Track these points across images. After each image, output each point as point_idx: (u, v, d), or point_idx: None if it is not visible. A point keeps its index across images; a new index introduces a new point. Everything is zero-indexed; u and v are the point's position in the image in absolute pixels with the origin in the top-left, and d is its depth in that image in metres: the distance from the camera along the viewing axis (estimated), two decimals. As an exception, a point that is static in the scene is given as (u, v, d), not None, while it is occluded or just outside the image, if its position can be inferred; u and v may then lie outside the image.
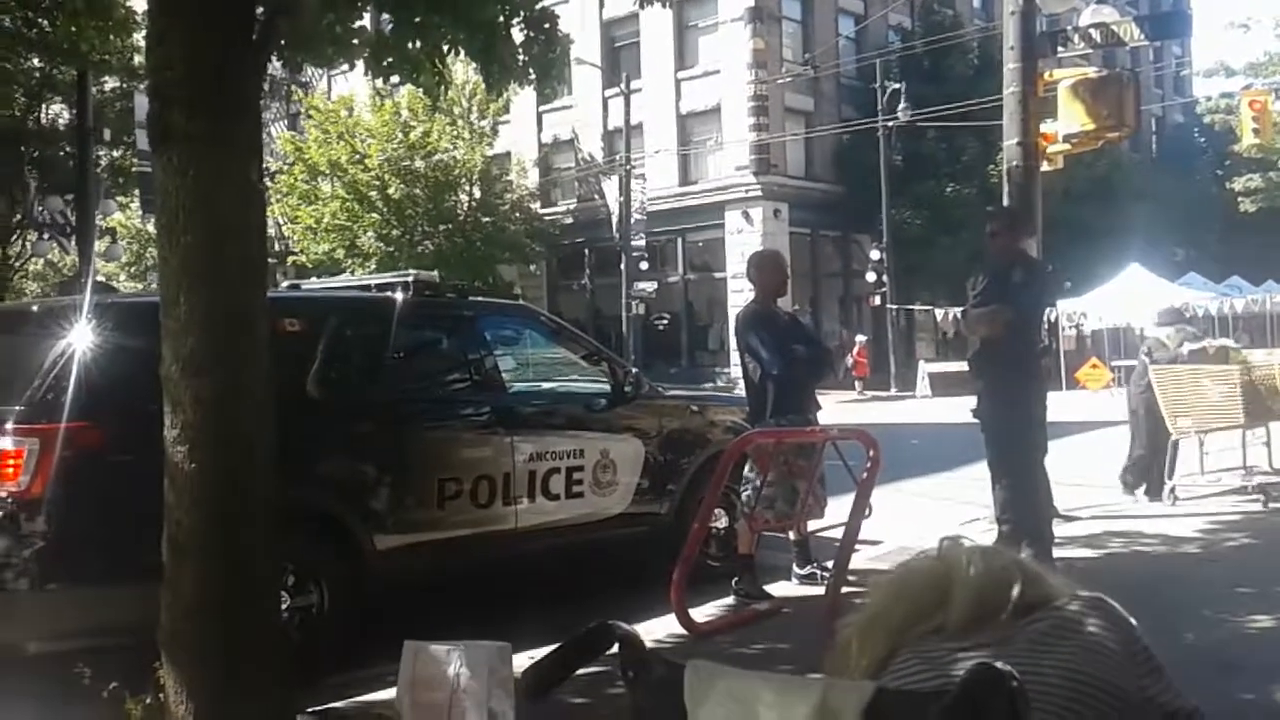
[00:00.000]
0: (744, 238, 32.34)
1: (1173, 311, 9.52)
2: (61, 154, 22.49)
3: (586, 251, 35.25)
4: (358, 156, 31.32)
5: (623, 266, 31.28)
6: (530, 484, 6.27)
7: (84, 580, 4.70)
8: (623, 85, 31.36)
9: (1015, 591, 1.26)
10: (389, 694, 4.52)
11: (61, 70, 18.92)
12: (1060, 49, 7.88)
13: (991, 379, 6.18)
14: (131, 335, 5.06)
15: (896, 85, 30.46)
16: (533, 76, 5.03)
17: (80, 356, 4.86)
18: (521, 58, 4.99)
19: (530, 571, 6.51)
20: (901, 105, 29.84)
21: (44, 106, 23.85)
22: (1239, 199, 28.91)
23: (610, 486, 6.67)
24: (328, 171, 31.89)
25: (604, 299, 34.72)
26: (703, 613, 5.63)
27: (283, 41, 3.88)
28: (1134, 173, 37.67)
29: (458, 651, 3.81)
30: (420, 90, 5.93)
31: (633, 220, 31.16)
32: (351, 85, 33.21)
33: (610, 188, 32.07)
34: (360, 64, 4.99)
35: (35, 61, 17.49)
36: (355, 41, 4.39)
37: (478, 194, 33.46)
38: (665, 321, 34.07)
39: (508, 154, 35.58)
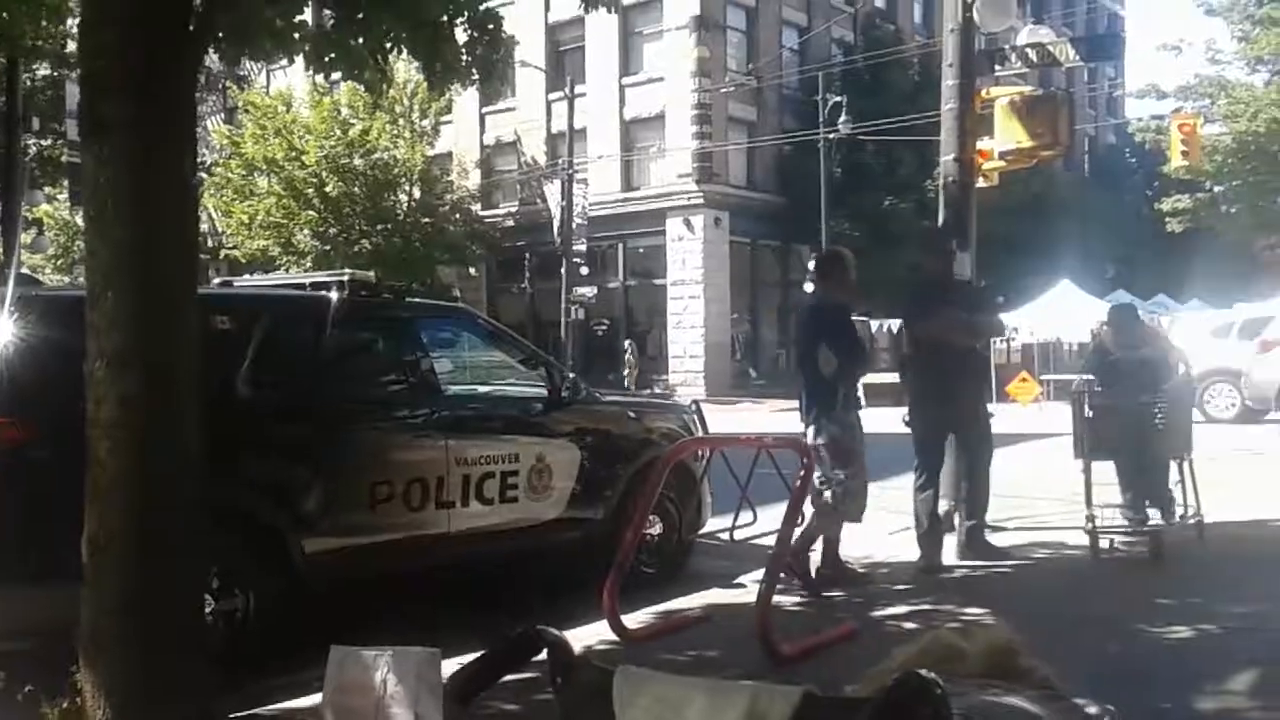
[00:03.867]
0: (685, 245, 32.51)
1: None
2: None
3: (527, 255, 35.16)
4: (295, 153, 30.85)
5: (563, 271, 31.24)
6: (464, 488, 6.21)
7: (5, 579, 4.58)
8: (567, 90, 31.33)
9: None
10: (315, 699, 4.46)
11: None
12: (998, 67, 8.04)
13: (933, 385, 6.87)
14: (57, 330, 4.95)
15: (838, 98, 30.81)
16: (475, 77, 4.99)
17: (3, 351, 4.73)
18: (465, 58, 4.96)
19: (463, 577, 6.47)
20: (842, 118, 30.20)
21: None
22: (1166, 219, 29.64)
23: (546, 491, 6.64)
24: (264, 167, 31.40)
25: (544, 303, 34.65)
26: (635, 619, 5.62)
27: (220, 34, 3.80)
28: (1067, 190, 38.55)
29: (385, 657, 3.76)
30: (361, 87, 5.87)
31: (574, 225, 31.14)
32: (290, 80, 32.75)
33: (552, 191, 32.00)
34: (300, 59, 4.93)
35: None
36: (296, 36, 4.32)
37: (418, 194, 33.17)
38: (605, 327, 34.07)
39: (449, 154, 35.36)
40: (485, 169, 36.61)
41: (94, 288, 3.40)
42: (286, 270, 32.07)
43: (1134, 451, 7.16)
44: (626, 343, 32.20)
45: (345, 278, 6.16)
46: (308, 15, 4.45)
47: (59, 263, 35.46)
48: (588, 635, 5.33)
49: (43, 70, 22.26)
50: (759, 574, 6.83)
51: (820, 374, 6.31)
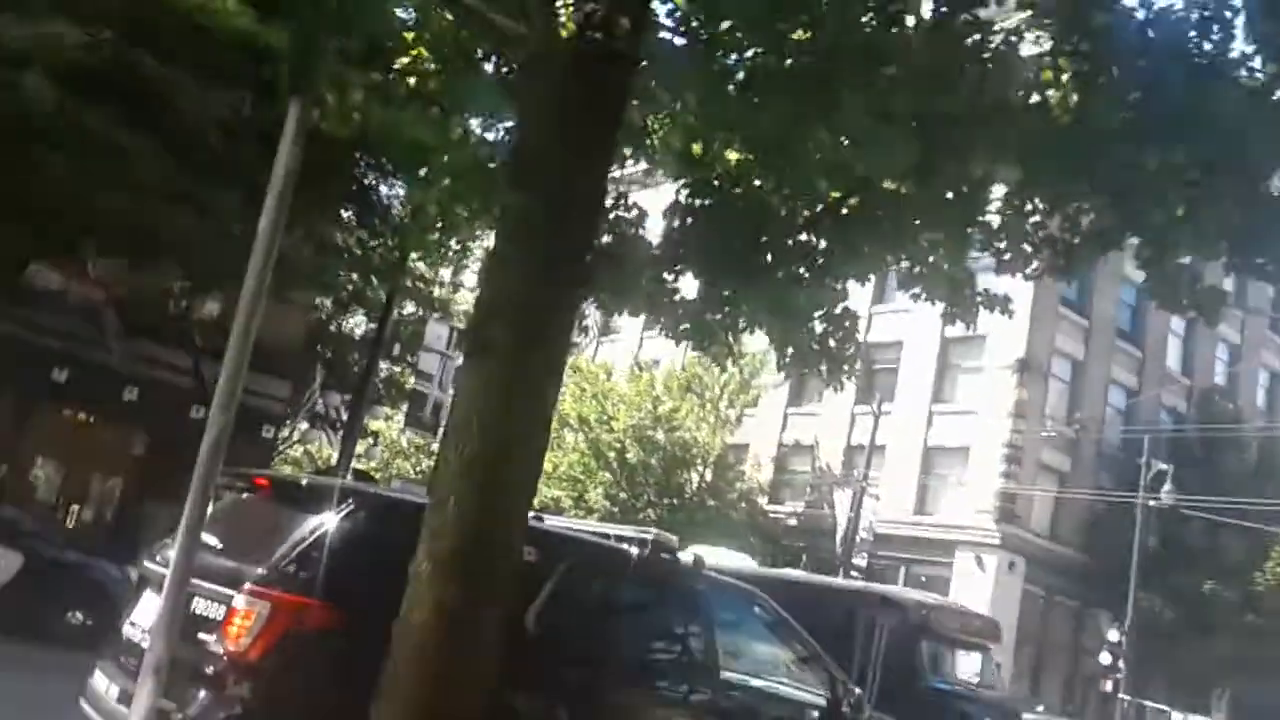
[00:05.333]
0: (972, 582, 30.80)
1: None
2: (350, 360, 24.70)
3: (804, 557, 34.49)
4: (606, 418, 32.60)
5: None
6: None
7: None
8: (875, 406, 31.48)
9: None
10: None
11: (373, 288, 21.01)
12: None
13: None
14: (381, 527, 5.20)
15: (1163, 466, 29.02)
16: (823, 368, 5.04)
17: (330, 537, 4.98)
18: (815, 347, 5.04)
19: None
20: (1166, 488, 28.28)
21: (347, 316, 26.49)
22: None
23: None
24: (575, 425, 33.25)
25: (812, 612, 33.50)
26: None
27: (603, 289, 4.07)
28: None
29: None
30: (695, 361, 6.06)
31: (858, 538, 30.40)
32: (614, 351, 35.05)
33: (841, 500, 31.61)
34: (638, 327, 5.18)
35: (353, 276, 19.48)
36: (666, 302, 4.56)
37: (709, 476, 33.80)
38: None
39: (746, 445, 36.01)
40: (779, 465, 36.91)
41: (438, 494, 3.54)
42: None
43: None
44: None
45: (650, 536, 6.16)
46: (680, 285, 4.68)
47: (378, 474, 38.50)
48: None
49: (409, 308, 25.08)
50: None
51: None
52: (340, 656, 4.68)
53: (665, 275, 4.57)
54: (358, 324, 27.90)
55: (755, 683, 6.64)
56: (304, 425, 24.48)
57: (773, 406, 34.74)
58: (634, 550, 6.08)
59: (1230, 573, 29.25)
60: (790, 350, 4.98)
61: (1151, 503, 28.79)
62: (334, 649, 4.73)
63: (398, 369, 26.98)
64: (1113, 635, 29.43)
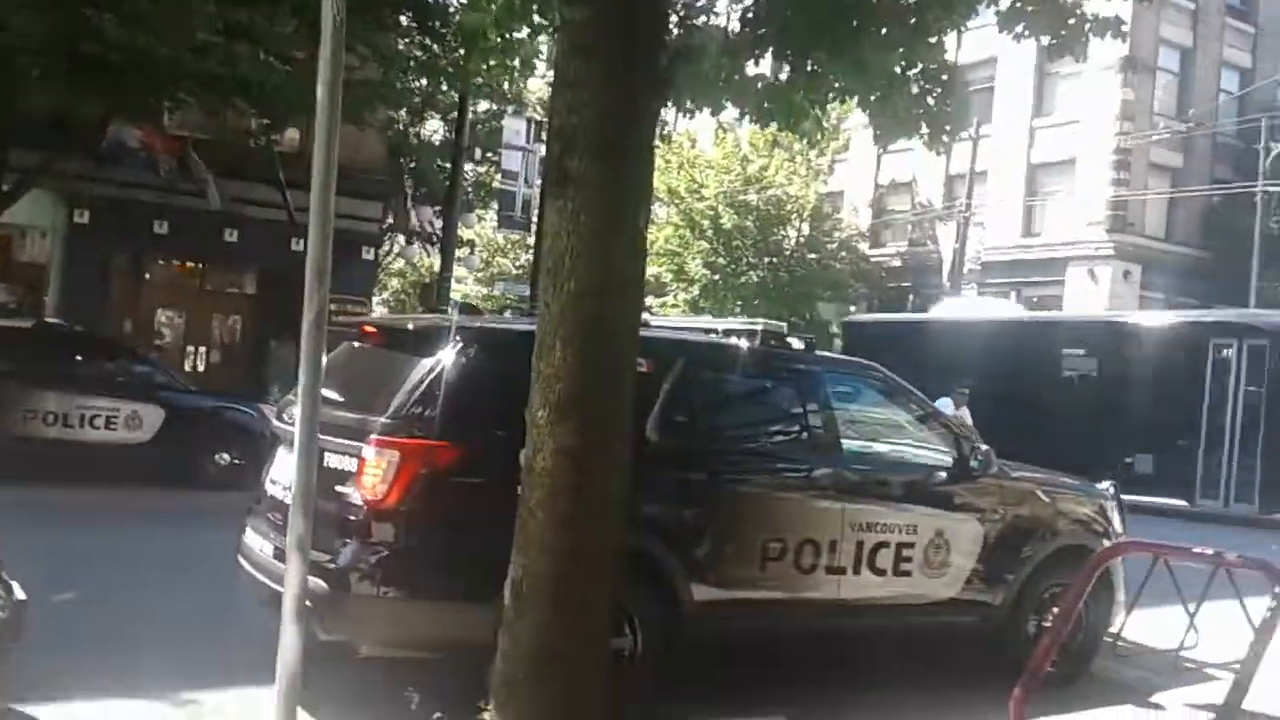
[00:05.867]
0: (1087, 297, 30.24)
1: None
2: (434, 167, 24.58)
3: (911, 297, 34.19)
4: (696, 186, 32.10)
5: (949, 316, 30.07)
6: (858, 554, 5.93)
7: (422, 593, 4.86)
8: (972, 131, 30.16)
9: None
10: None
11: (443, 92, 20.59)
12: None
13: None
14: (493, 360, 5.24)
15: (1283, 148, 27.44)
16: (925, 131, 4.72)
17: (446, 377, 5.03)
18: (916, 110, 4.71)
19: (842, 648, 6.17)
20: (1288, 170, 26.83)
21: (423, 123, 26.16)
22: None
23: (942, 568, 6.20)
24: (666, 198, 32.86)
25: (927, 348, 33.51)
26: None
27: (680, 88, 3.80)
28: None
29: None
30: (785, 131, 5.77)
31: (965, 270, 29.91)
32: (696, 121, 34.05)
33: (945, 234, 30.96)
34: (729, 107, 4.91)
35: (422, 82, 19.09)
36: (748, 90, 4.27)
37: (806, 230, 33.36)
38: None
39: (841, 193, 35.24)
40: (876, 208, 36.12)
41: (544, 338, 3.47)
42: (675, 296, 33.40)
43: None
44: None
45: (759, 327, 6.10)
46: (763, 68, 4.37)
47: (479, 275, 39.00)
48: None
49: (484, 105, 24.59)
50: (1177, 693, 6.06)
51: None
52: (473, 493, 4.82)
53: (745, 62, 4.26)
54: (434, 130, 27.59)
55: (884, 452, 6.67)
56: (400, 240, 24.70)
57: (864, 149, 33.61)
58: (743, 343, 6.04)
59: (1360, 252, 28.02)
60: (888, 119, 4.67)
61: (1272, 189, 27.45)
62: (465, 486, 4.86)
63: (482, 170, 26.77)
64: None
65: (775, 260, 32.49)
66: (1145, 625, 6.19)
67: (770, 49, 4.23)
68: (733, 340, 6.16)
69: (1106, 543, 6.74)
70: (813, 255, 32.94)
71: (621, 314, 3.48)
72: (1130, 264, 30.15)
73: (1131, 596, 5.56)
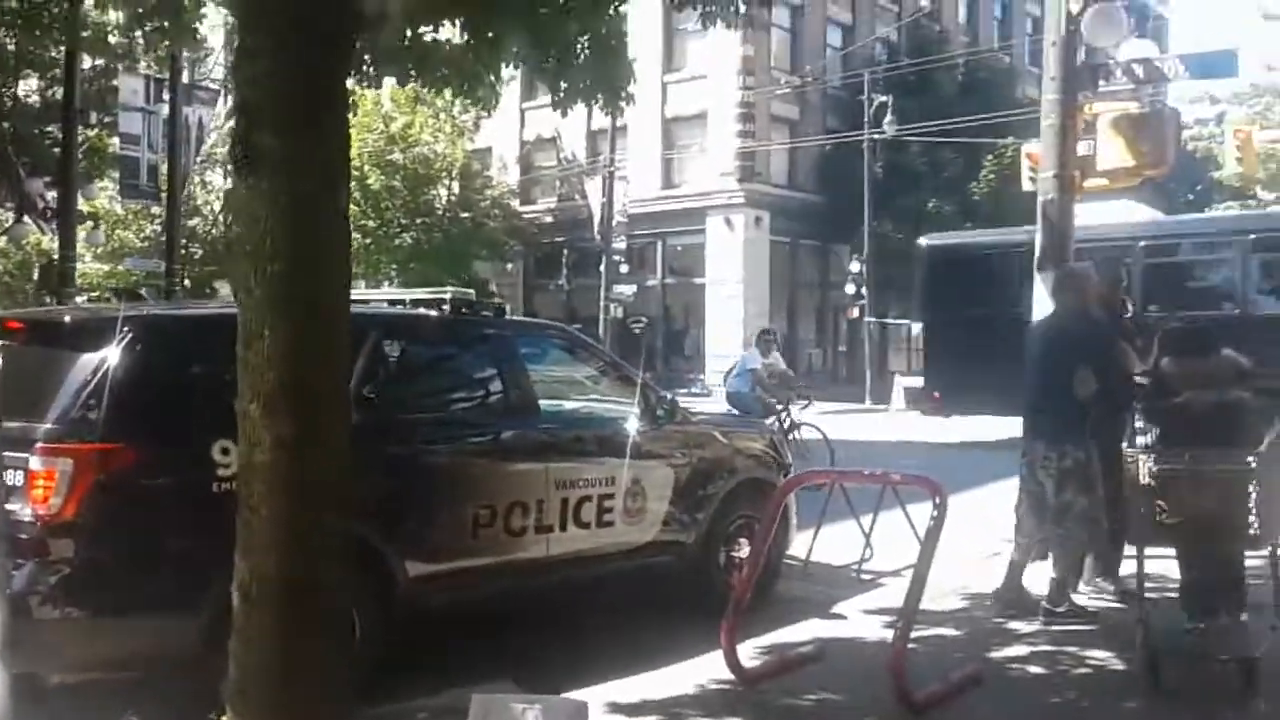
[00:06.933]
0: (725, 244, 32.33)
1: None
2: (36, 133, 21.95)
3: (565, 252, 35.01)
4: (338, 146, 30.91)
5: (602, 268, 31.09)
6: (564, 511, 6.09)
7: (112, 610, 4.47)
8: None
9: None
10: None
11: (44, 48, 18.42)
12: (1102, 83, 7.80)
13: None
14: (166, 350, 4.87)
15: (883, 98, 30.49)
16: (601, 97, 4.85)
17: (116, 373, 4.60)
18: (587, 80, 4.82)
19: (560, 604, 6.33)
20: (888, 119, 29.88)
21: (17, 82, 23.26)
22: (1216, 226, 29.16)
23: (640, 515, 6.50)
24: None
25: (581, 300, 34.48)
26: (741, 653, 5.44)
27: (367, 58, 3.67)
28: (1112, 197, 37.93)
29: (534, 710, 3.63)
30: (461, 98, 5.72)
31: (614, 222, 30.97)
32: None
33: (593, 188, 31.84)
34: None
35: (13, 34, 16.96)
36: (429, 58, 4.18)
37: (457, 189, 33.13)
38: (642, 325, 33.87)
39: (489, 149, 35.25)
40: (525, 165, 36.50)
41: (249, 325, 3.27)
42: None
43: (1213, 536, 5.02)
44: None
45: (448, 295, 6.06)
46: (445, 36, 4.30)
47: (99, 252, 35.57)
48: (699, 674, 5.18)
49: (90, 60, 22.25)
50: (856, 601, 6.75)
51: (1071, 396, 5.98)
52: (159, 496, 4.52)
53: (426, 29, 4.16)
54: (29, 91, 24.61)
55: (578, 409, 6.87)
56: (10, 218, 21.95)
57: (508, 105, 33.78)
58: (433, 312, 5.99)
59: (949, 189, 31.79)
60: (564, 85, 4.74)
61: (876, 136, 30.49)
62: (150, 489, 4.53)
63: (92, 133, 24.28)
64: (854, 266, 31.92)
65: (428, 221, 32.03)
66: (830, 546, 6.79)
67: (457, 14, 4.16)
68: (422, 311, 6.08)
69: (777, 474, 7.35)
70: (466, 214, 32.80)
71: (331, 293, 3.34)
72: (760, 211, 32.48)
73: (817, 521, 6.08)
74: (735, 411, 13.15)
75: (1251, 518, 4.81)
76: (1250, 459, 4.81)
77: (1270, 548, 5.03)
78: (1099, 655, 5.42)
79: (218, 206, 31.42)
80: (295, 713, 3.30)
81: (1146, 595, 5.10)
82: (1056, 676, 5.19)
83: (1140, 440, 5.20)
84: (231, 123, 3.61)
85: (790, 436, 12.83)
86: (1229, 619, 5.12)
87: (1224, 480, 4.84)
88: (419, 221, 31.87)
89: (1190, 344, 5.61)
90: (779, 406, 13.83)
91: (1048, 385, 6.24)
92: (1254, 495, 4.79)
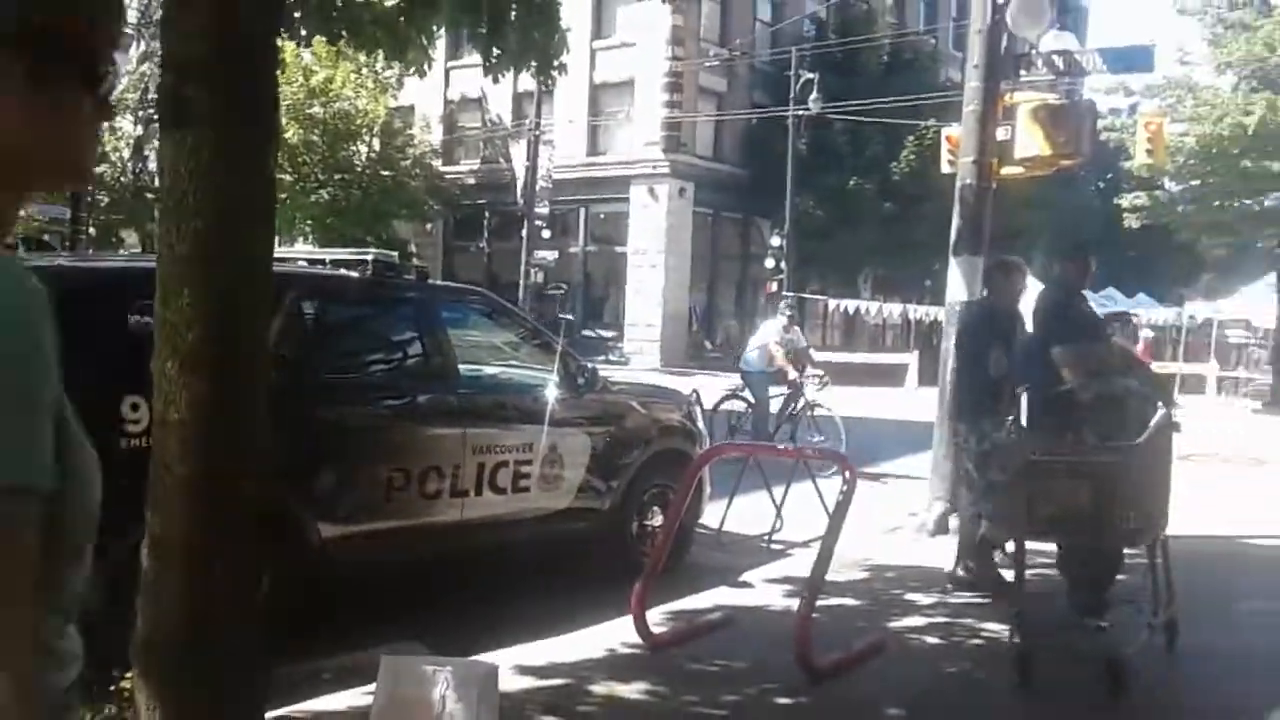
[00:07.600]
0: (648, 213, 32.36)
1: None
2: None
3: (487, 214, 34.74)
4: (256, 97, 30.10)
5: (524, 233, 30.91)
6: (479, 476, 6.12)
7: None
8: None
9: None
10: (346, 701, 4.36)
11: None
12: (1023, 72, 7.99)
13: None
14: (79, 308, 4.75)
15: (810, 75, 30.70)
16: (534, 65, 4.84)
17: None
18: (519, 45, 4.81)
19: (475, 568, 6.37)
20: (813, 96, 30.10)
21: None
22: (1124, 215, 30.06)
23: (557, 481, 6.56)
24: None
25: (502, 264, 34.30)
26: (650, 619, 5.55)
27: (298, 17, 3.62)
28: (1027, 183, 38.85)
29: (445, 671, 3.67)
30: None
31: (538, 187, 30.79)
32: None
33: (517, 152, 31.57)
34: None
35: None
36: (360, 19, 4.14)
37: (378, 146, 32.53)
38: (563, 291, 33.81)
39: (411, 107, 34.65)
40: (448, 124, 36.00)
41: (168, 282, 3.21)
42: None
43: (1088, 530, 4.86)
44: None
45: (369, 256, 6.01)
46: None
47: None
48: (608, 639, 5.28)
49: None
50: (765, 571, 6.91)
51: (987, 375, 6.16)
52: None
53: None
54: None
55: (498, 375, 6.88)
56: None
57: (434, 64, 33.26)
58: (353, 274, 5.94)
59: (870, 168, 32.19)
60: (497, 51, 4.72)
61: (801, 113, 30.72)
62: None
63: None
64: (775, 240, 32.24)
65: (346, 177, 31.40)
66: (742, 517, 6.94)
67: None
68: (342, 272, 6.03)
69: (693, 444, 7.47)
70: (386, 172, 32.22)
71: (254, 251, 3.30)
72: (685, 182, 32.55)
73: (730, 492, 6.20)
74: (744, 386, 12.82)
75: (1129, 511, 4.70)
76: (1128, 451, 4.68)
77: (1148, 544, 4.96)
78: (995, 628, 5.64)
79: (128, 154, 30.44)
80: (202, 670, 3.29)
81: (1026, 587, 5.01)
82: (953, 648, 5.40)
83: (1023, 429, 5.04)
84: (144, 68, 3.52)
85: (807, 413, 12.23)
86: (1104, 616, 5.08)
87: (1100, 472, 4.67)
88: (337, 177, 31.22)
89: (1081, 332, 5.60)
90: (789, 384, 12.61)
91: (968, 363, 6.46)
92: (1131, 488, 4.67)
